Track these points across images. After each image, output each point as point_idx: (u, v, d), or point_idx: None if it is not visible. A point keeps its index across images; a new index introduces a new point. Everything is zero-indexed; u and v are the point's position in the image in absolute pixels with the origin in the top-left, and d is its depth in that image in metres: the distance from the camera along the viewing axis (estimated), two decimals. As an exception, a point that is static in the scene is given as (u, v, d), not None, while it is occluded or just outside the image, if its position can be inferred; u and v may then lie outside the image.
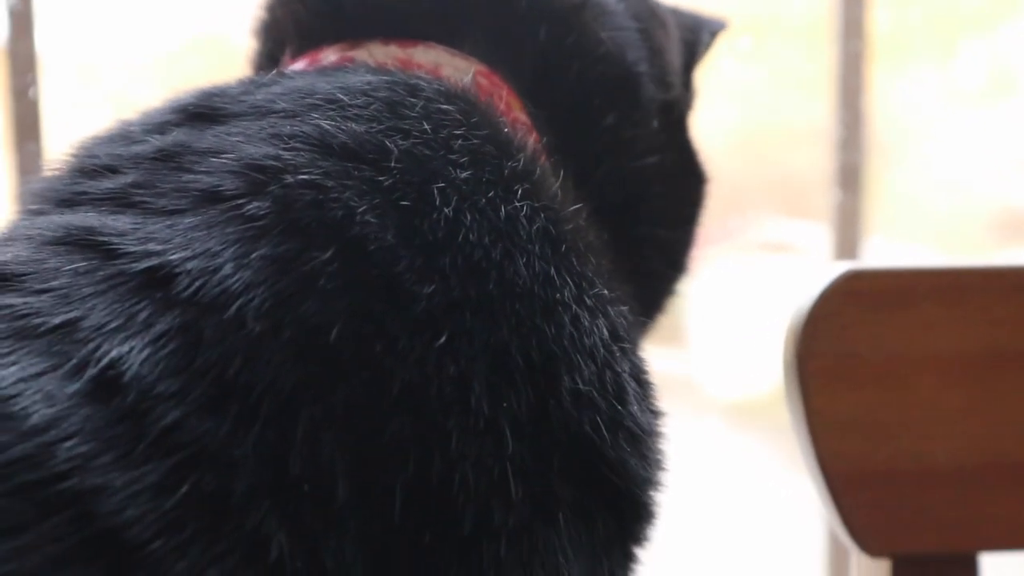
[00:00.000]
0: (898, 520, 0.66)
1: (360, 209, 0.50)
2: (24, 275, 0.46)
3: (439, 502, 0.47)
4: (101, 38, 1.19)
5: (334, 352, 0.46)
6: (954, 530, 0.66)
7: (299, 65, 0.67)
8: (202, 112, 0.58)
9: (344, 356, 0.47)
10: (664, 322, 0.86)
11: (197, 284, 0.45)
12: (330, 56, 0.66)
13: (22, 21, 1.00)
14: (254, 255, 0.47)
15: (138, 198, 0.51)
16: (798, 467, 0.69)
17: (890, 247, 1.53)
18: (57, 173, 0.57)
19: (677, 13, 0.78)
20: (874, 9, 1.14)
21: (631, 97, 0.71)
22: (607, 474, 0.53)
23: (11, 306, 0.44)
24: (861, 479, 0.66)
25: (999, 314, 0.66)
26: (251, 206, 0.49)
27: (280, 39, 0.71)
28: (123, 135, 0.58)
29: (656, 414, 0.58)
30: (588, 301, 0.54)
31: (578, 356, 0.52)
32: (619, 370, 0.54)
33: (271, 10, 0.74)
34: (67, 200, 0.54)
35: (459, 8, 0.68)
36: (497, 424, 0.49)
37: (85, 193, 0.53)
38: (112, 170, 0.54)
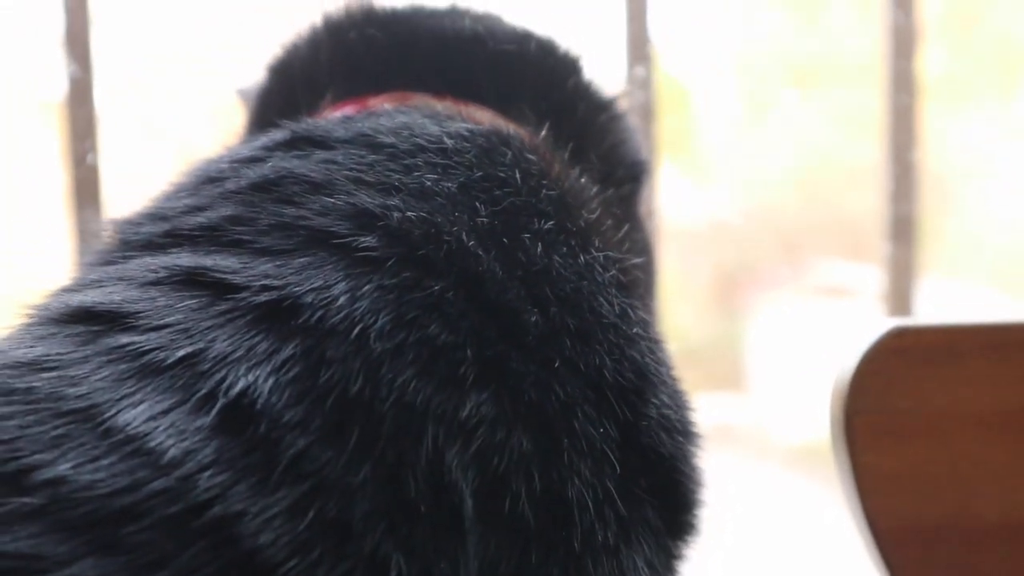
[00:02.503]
0: (948, 577, 0.66)
1: (470, 244, 0.52)
2: (137, 313, 0.48)
3: (558, 518, 0.49)
4: (163, 97, 1.21)
5: (460, 371, 0.48)
6: (1005, 587, 0.66)
7: (347, 110, 0.68)
8: (304, 137, 0.59)
9: (470, 376, 0.48)
10: (725, 368, 0.90)
11: (319, 314, 0.47)
12: (384, 105, 0.68)
13: (81, 88, 1.01)
14: (370, 285, 0.49)
15: (238, 235, 0.52)
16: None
17: (950, 288, 1.51)
18: (134, 221, 0.58)
19: None
20: (925, 59, 1.15)
21: (641, 178, 0.76)
22: (685, 492, 0.56)
23: (129, 344, 0.46)
24: (909, 536, 0.66)
25: (1046, 370, 0.66)
26: (362, 241, 0.50)
27: (314, 81, 0.72)
28: (207, 178, 0.59)
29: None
30: (652, 336, 0.58)
31: (658, 380, 0.56)
32: (684, 399, 0.58)
33: (311, 50, 0.75)
34: (152, 244, 0.55)
35: (509, 78, 0.71)
36: (596, 445, 0.51)
37: (172, 234, 0.55)
38: (201, 209, 0.56)
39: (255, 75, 0.80)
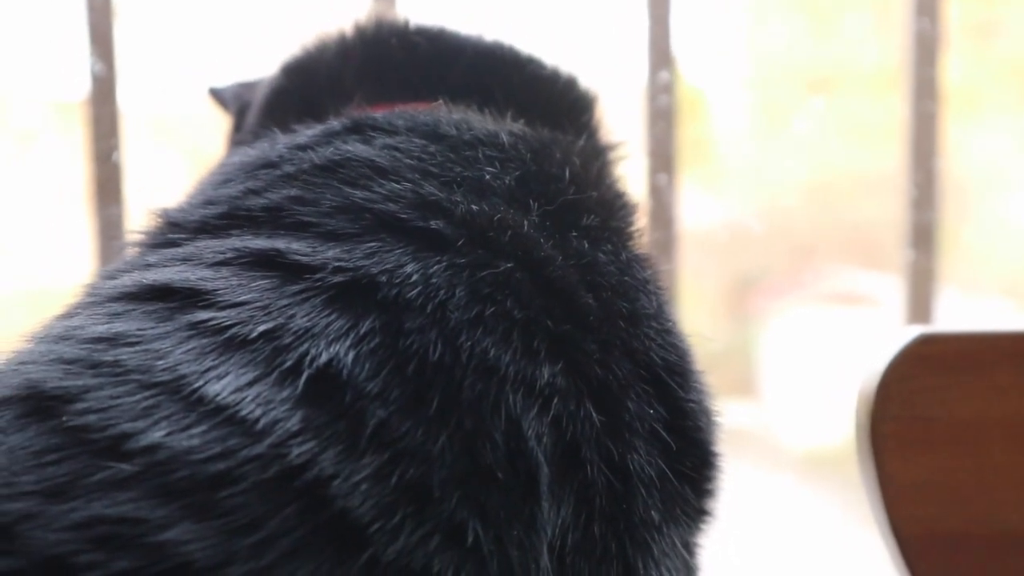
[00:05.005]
0: (972, 585, 0.66)
1: (531, 232, 0.55)
2: (214, 291, 0.49)
3: (620, 492, 0.51)
4: (182, 94, 1.20)
5: (534, 344, 0.50)
6: (1029, 595, 0.66)
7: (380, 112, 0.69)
8: (367, 124, 0.61)
9: (542, 349, 0.50)
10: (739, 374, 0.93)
11: (395, 291, 0.49)
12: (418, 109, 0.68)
13: (104, 86, 1.01)
14: (440, 265, 0.51)
15: (301, 216, 0.54)
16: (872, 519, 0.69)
17: (968, 301, 1.51)
18: (182, 208, 0.60)
19: None
20: (949, 66, 1.14)
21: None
22: (712, 478, 0.58)
23: (209, 320, 0.47)
24: (934, 543, 0.66)
25: (1072, 379, 0.66)
26: (431, 225, 0.53)
27: (341, 83, 0.73)
28: (264, 163, 0.60)
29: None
30: (682, 332, 0.61)
31: (693, 366, 0.59)
32: (708, 388, 0.61)
33: (339, 53, 0.76)
34: (208, 226, 0.57)
35: (540, 100, 0.73)
36: (648, 424, 0.54)
37: (230, 215, 0.56)
38: (259, 191, 0.57)
39: (233, 77, 0.80)
